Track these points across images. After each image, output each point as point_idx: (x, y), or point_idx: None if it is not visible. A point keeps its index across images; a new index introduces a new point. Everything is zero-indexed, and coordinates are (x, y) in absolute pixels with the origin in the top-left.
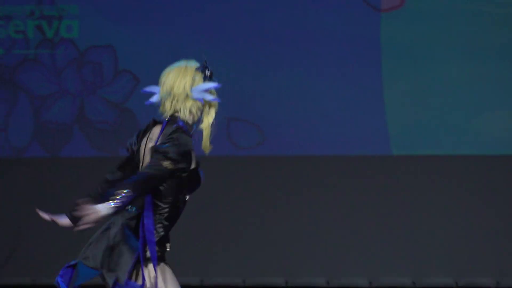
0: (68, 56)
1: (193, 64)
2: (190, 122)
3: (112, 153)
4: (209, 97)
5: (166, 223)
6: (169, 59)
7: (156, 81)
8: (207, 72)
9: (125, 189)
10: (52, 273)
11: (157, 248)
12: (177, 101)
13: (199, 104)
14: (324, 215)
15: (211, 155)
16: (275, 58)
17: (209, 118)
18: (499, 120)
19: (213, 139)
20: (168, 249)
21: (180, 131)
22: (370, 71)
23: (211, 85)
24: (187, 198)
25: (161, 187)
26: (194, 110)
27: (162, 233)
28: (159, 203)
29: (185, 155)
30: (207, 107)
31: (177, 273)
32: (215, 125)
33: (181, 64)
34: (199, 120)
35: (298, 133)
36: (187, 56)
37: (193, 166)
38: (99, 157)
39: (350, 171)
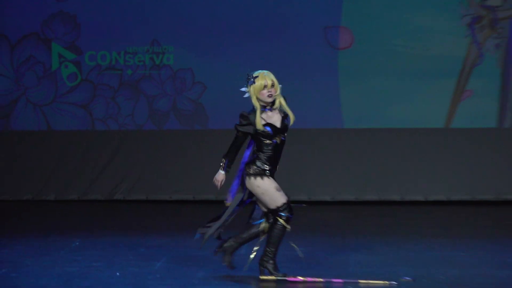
0: (167, 74)
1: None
2: (264, 105)
3: (192, 127)
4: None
5: (269, 159)
6: (225, 77)
7: (216, 88)
8: (250, 81)
9: (223, 158)
10: (166, 191)
11: (268, 167)
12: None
13: (254, 98)
14: (321, 160)
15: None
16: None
17: (260, 103)
18: (413, 106)
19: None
20: (275, 170)
21: (245, 112)
22: (330, 81)
23: (245, 88)
24: (274, 142)
25: (256, 141)
26: (255, 102)
27: (269, 164)
28: (261, 149)
29: (243, 126)
30: (260, 100)
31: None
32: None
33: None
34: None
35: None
36: (239, 72)
37: (258, 127)
38: (183, 130)
39: (322, 138)
